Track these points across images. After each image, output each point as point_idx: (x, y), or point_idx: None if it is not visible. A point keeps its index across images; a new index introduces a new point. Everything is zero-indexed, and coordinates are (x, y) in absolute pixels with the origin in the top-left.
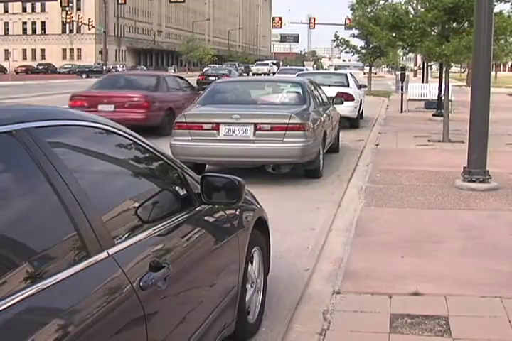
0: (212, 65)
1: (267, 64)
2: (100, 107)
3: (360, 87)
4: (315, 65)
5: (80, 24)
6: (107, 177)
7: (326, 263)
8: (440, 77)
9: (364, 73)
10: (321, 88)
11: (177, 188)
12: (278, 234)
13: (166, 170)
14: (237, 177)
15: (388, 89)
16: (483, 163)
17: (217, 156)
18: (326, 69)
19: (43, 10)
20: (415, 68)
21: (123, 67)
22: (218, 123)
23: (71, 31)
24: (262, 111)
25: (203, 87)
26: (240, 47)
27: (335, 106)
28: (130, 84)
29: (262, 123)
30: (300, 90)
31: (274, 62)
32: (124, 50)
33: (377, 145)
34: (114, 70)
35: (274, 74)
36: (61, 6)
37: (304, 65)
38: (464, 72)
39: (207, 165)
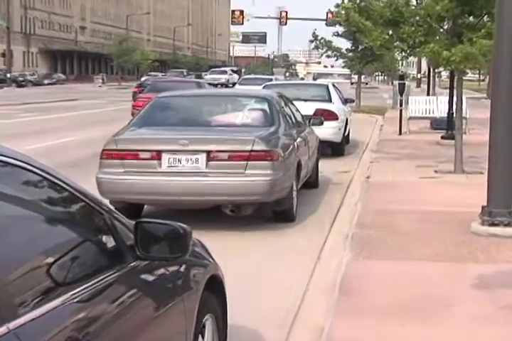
0: (153, 73)
1: (225, 72)
2: None
3: (345, 101)
4: (287, 73)
5: None
6: (10, 225)
7: (302, 333)
8: (451, 88)
9: (352, 83)
10: (294, 104)
11: (103, 238)
12: (238, 296)
13: (89, 215)
14: (182, 224)
15: (383, 104)
16: (509, 200)
17: (159, 194)
18: (301, 78)
19: None
20: (419, 76)
21: (33, 74)
22: (160, 151)
23: None
24: (218, 135)
25: None
26: (190, 50)
27: (312, 127)
28: (176, 88)
29: (217, 151)
30: (267, 107)
31: (234, 69)
32: (36, 52)
33: (368, 177)
34: (21, 79)
35: (233, 85)
36: None
37: (272, 73)
38: (483, 80)
39: (145, 206)
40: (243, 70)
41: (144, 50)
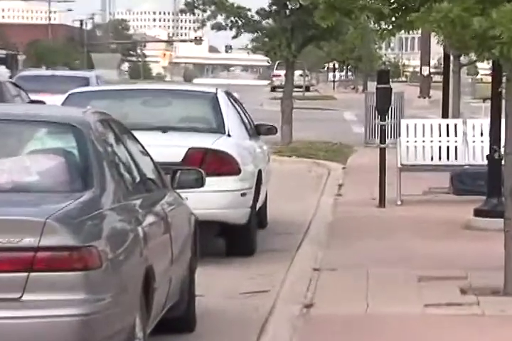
0: None
1: None
2: None
3: (257, 131)
4: (126, 65)
5: None
6: None
7: None
8: (495, 98)
9: (274, 88)
10: (137, 139)
11: None
12: None
13: None
14: None
15: (344, 137)
16: None
17: None
18: (158, 76)
19: None
20: (426, 72)
21: None
22: None
23: None
24: None
25: None
26: None
27: (181, 192)
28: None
29: None
30: (74, 148)
31: (1, 54)
32: None
33: (308, 306)
34: None
35: None
36: None
37: (91, 66)
38: None
39: None
40: (21, 57)
41: None
